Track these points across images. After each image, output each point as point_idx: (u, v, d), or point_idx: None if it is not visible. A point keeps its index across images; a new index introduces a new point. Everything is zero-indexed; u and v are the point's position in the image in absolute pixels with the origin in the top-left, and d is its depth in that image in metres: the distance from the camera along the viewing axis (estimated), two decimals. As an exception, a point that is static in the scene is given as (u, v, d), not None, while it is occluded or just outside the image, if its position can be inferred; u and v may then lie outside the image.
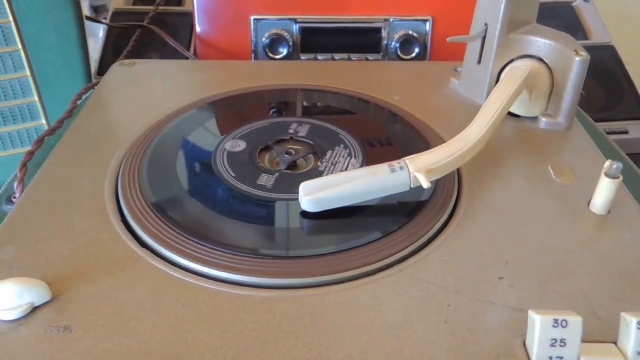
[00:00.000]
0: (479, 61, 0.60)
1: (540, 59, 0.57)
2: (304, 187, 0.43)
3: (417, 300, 0.37)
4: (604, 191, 0.44)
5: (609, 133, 0.92)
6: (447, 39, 0.58)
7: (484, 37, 0.59)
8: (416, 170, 0.43)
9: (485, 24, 0.58)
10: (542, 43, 0.56)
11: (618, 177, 0.43)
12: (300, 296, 0.37)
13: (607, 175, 0.43)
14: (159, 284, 0.38)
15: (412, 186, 0.43)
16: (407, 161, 0.43)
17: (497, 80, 0.59)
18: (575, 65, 0.54)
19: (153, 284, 0.38)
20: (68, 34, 0.70)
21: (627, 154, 0.93)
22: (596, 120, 0.94)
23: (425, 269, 0.39)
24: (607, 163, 0.43)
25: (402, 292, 0.37)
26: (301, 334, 0.34)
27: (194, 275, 0.38)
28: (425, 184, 0.42)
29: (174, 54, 0.85)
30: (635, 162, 0.98)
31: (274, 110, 0.60)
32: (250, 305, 0.36)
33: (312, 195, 0.42)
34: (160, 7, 0.95)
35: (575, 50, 0.54)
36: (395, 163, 0.43)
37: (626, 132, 0.92)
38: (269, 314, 0.35)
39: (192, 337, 0.34)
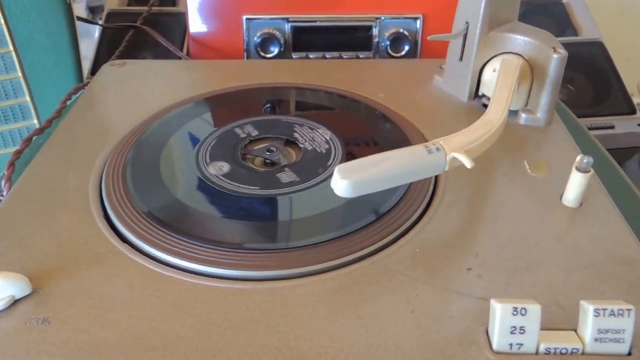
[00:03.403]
0: (461, 58, 0.61)
1: (521, 56, 0.57)
2: (341, 170, 0.39)
3: (386, 291, 0.38)
4: (575, 185, 0.45)
5: (596, 128, 0.92)
6: (428, 37, 0.59)
7: (465, 35, 0.60)
8: (454, 151, 0.42)
9: (467, 22, 0.59)
10: (521, 40, 0.57)
11: (589, 171, 0.44)
12: (274, 288, 0.38)
13: (578, 169, 0.44)
14: (137, 278, 0.39)
15: (447, 168, 0.42)
16: (441, 142, 0.42)
17: (479, 77, 0.60)
18: (553, 62, 0.55)
19: (131, 278, 0.39)
20: (59, 35, 0.71)
21: (613, 149, 0.94)
22: (584, 116, 0.95)
23: (397, 261, 0.40)
24: (578, 157, 0.44)
25: (373, 283, 0.38)
26: (272, 324, 0.35)
27: (171, 269, 0.40)
28: (470, 164, 0.41)
29: (167, 54, 0.86)
30: (620, 156, 0.99)
31: (261, 107, 0.61)
32: (224, 296, 0.37)
33: (351, 178, 0.39)
34: (154, 8, 0.96)
35: (553, 48, 0.55)
36: (429, 144, 0.42)
37: (612, 128, 0.93)
38: (242, 304, 0.37)
39: (166, 327, 0.35)
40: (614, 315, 0.32)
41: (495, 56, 0.59)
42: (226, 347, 0.34)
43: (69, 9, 0.71)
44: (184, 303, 0.37)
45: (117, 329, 0.35)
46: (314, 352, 0.34)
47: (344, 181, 0.39)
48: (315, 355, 0.33)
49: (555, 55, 0.55)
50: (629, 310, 0.32)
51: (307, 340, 0.34)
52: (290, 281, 0.39)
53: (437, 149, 0.41)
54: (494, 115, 0.48)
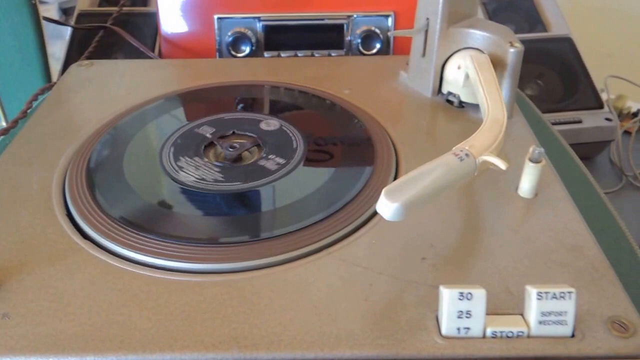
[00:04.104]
0: (424, 54, 0.62)
1: (480, 51, 0.59)
2: (389, 193, 0.37)
3: (341, 281, 0.39)
4: (528, 175, 0.46)
5: (564, 123, 0.94)
6: (389, 34, 0.59)
7: (426, 31, 0.61)
8: (481, 155, 0.42)
9: (427, 18, 0.61)
10: (480, 36, 0.58)
11: (541, 162, 0.45)
12: (231, 280, 0.39)
13: (530, 160, 0.46)
14: (98, 273, 0.39)
15: (476, 173, 0.42)
16: (467, 148, 0.42)
17: (442, 72, 0.61)
18: (510, 56, 0.56)
19: (92, 273, 0.39)
20: (25, 35, 0.71)
21: (583, 144, 0.96)
22: (553, 110, 0.97)
23: (353, 252, 0.41)
24: (531, 148, 0.45)
25: (329, 274, 0.39)
26: (228, 314, 0.36)
27: (130, 263, 0.40)
28: (504, 165, 0.41)
29: (139, 55, 0.86)
30: (591, 151, 1.01)
31: (226, 105, 0.62)
32: (182, 289, 0.38)
33: (400, 199, 0.36)
34: (125, 8, 0.96)
35: (510, 42, 0.56)
36: (458, 152, 0.41)
37: (580, 122, 0.95)
38: (199, 297, 0.37)
39: (125, 320, 0.36)
40: (555, 298, 0.33)
41: (456, 51, 0.60)
42: (182, 337, 0.35)
43: (34, 10, 0.71)
44: (143, 296, 0.37)
45: (76, 322, 0.36)
46: (267, 340, 0.34)
47: (395, 204, 0.36)
48: (269, 343, 0.34)
49: (511, 50, 0.56)
50: (570, 292, 0.33)
51: (262, 328, 0.35)
52: (247, 273, 0.39)
53: (467, 155, 0.41)
54: (498, 114, 0.48)
